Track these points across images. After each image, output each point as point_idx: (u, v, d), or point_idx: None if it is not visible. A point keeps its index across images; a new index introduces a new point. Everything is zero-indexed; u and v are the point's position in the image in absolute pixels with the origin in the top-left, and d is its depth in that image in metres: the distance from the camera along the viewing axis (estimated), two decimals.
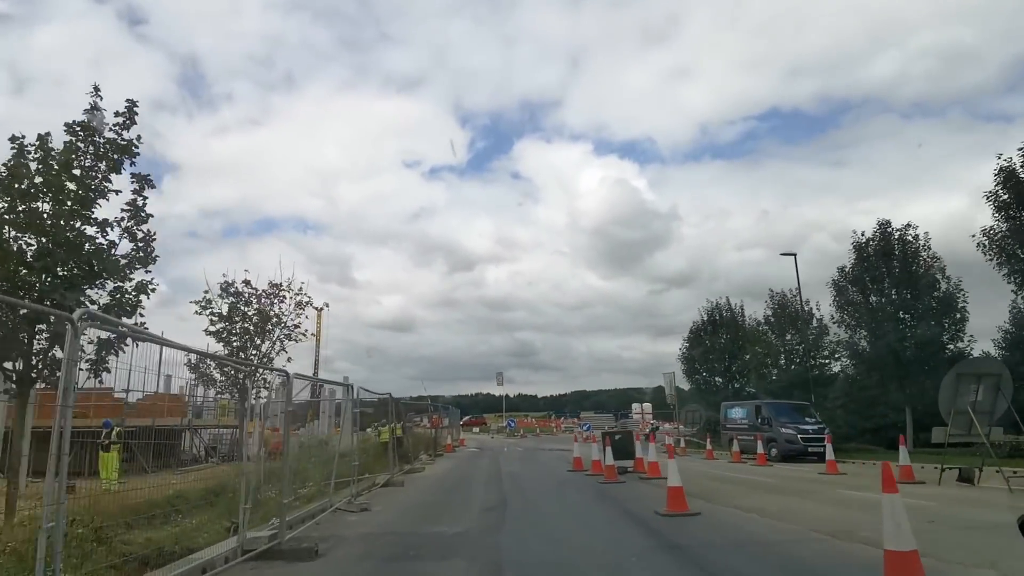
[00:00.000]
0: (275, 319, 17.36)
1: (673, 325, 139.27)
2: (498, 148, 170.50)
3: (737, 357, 37.44)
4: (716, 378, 38.77)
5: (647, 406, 77.18)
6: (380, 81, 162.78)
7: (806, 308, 31.47)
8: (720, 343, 37.89)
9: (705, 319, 39.21)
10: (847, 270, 26.58)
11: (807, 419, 23.50)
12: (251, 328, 16.87)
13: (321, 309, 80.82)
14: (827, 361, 30.99)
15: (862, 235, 26.20)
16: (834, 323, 27.17)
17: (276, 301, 17.27)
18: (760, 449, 20.49)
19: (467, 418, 73.83)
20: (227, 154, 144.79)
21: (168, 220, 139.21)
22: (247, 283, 16.93)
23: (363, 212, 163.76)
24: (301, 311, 17.69)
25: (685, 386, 47.31)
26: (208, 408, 25.74)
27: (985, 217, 20.07)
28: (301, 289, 17.59)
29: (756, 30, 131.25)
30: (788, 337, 32.58)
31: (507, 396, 76.97)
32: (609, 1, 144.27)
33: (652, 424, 46.60)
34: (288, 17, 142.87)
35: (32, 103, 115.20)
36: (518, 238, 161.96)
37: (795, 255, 28.48)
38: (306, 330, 17.94)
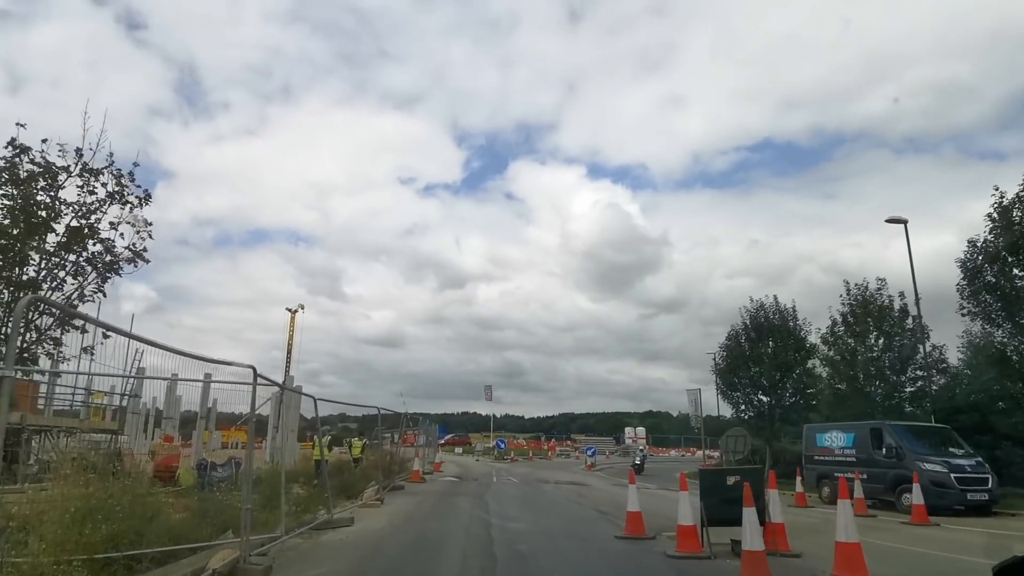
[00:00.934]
0: (84, 231, 9.33)
1: (662, 350, 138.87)
2: (493, 168, 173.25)
3: (791, 369, 29.57)
4: (760, 396, 30.76)
5: (640, 430, 69.10)
6: (378, 97, 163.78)
7: (896, 302, 23.92)
8: (767, 352, 29.96)
9: (748, 323, 31.29)
10: (982, 244, 18.95)
11: (953, 450, 15.64)
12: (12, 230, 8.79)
13: (295, 311, 72.57)
14: (926, 373, 23.23)
15: (1001, 197, 18.61)
16: (962, 314, 19.39)
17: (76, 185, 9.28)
18: (917, 497, 12.56)
19: (449, 436, 65.37)
20: (221, 163, 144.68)
21: (160, 227, 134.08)
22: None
23: (356, 226, 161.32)
24: (134, 213, 9.65)
25: (714, 406, 39.54)
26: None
27: None
28: (124, 177, 9.51)
29: (751, 61, 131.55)
30: (872, 341, 24.84)
31: (494, 416, 68.80)
32: (607, 28, 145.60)
33: (641, 451, 38.34)
34: (287, 29, 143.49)
35: (28, 103, 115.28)
36: (510, 258, 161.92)
37: (905, 222, 20.71)
38: (145, 248, 9.74)
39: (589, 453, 38.19)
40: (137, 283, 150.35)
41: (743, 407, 31.54)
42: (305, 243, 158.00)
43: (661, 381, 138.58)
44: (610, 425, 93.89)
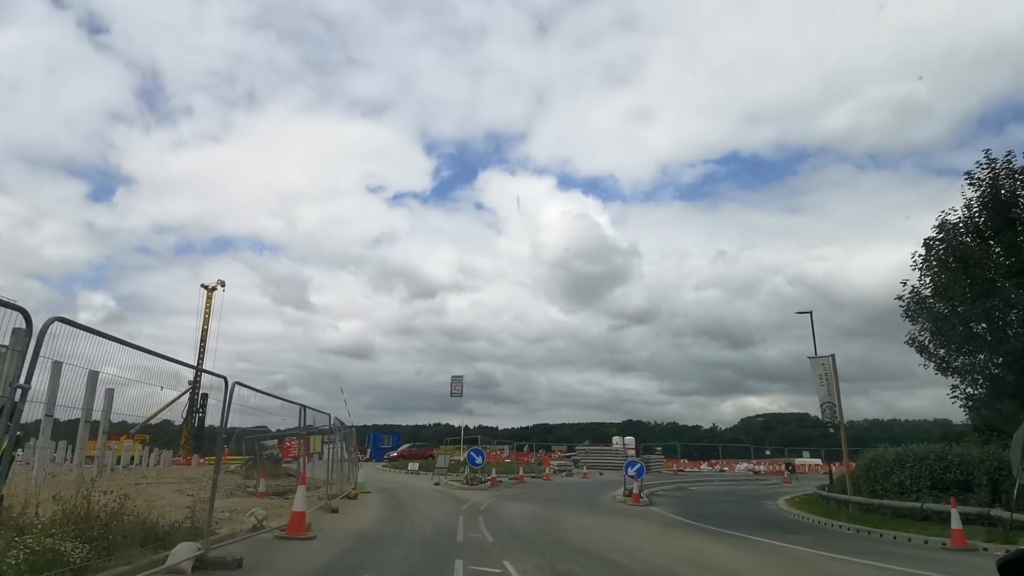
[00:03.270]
0: None
1: (633, 361, 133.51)
2: (463, 178, 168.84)
3: None
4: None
5: (629, 439, 52.71)
6: (345, 104, 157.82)
7: None
8: None
9: (987, 201, 15.12)
10: None
11: None
12: None
13: (213, 289, 54.14)
14: None
15: None
16: None
17: None
18: None
19: (404, 447, 47.93)
20: (184, 169, 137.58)
21: (119, 234, 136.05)
22: None
23: (323, 235, 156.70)
24: None
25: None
26: None
27: None
28: None
29: (716, 76, 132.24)
30: None
31: (466, 427, 51.61)
32: (574, 40, 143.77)
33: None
34: (252, 35, 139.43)
35: None
36: (480, 268, 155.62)
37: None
38: None
39: (633, 471, 21.45)
40: (96, 292, 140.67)
41: (975, 378, 15.29)
42: (270, 251, 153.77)
43: (633, 392, 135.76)
44: (588, 435, 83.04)
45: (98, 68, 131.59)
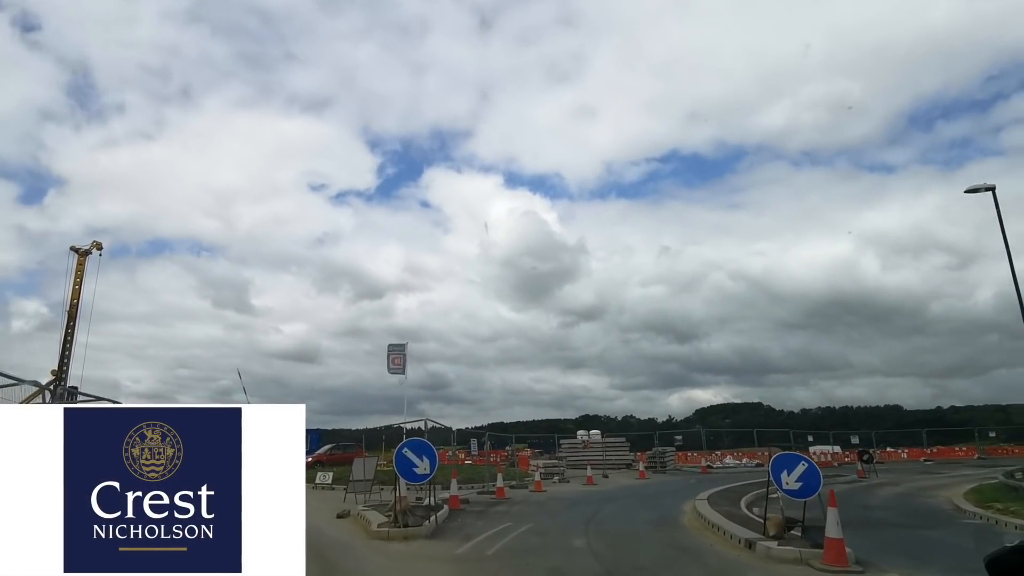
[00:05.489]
0: None
1: (584, 358, 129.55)
2: (407, 175, 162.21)
3: None
4: None
5: (595, 433, 41.18)
6: (284, 100, 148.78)
7: None
8: None
9: None
10: None
11: None
12: None
13: (87, 252, 41.30)
14: None
15: None
16: None
17: None
18: None
19: (324, 450, 33.86)
20: (116, 169, 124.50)
21: (51, 237, 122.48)
22: None
23: (263, 235, 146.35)
24: None
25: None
26: None
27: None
28: None
29: (656, 74, 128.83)
30: None
31: (419, 428, 37.90)
32: (516, 37, 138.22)
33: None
34: (185, 29, 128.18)
35: None
36: (428, 267, 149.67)
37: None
38: None
39: (793, 480, 8.60)
40: (29, 299, 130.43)
41: None
42: (208, 252, 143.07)
43: (584, 388, 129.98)
44: (545, 431, 74.94)
45: (29, 66, 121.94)
